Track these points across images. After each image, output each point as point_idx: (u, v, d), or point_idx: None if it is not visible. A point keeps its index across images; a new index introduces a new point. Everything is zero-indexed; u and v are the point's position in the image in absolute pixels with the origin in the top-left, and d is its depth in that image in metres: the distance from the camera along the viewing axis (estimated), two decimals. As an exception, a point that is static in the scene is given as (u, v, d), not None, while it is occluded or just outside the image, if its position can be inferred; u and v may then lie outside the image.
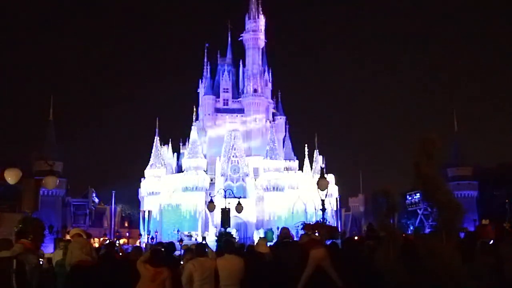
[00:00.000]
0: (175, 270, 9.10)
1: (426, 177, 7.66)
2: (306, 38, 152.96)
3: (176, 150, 65.97)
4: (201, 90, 67.70)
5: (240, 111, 65.54)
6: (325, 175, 16.95)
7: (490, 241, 10.03)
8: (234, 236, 40.03)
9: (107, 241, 28.96)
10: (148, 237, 52.21)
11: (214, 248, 16.30)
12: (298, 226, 39.43)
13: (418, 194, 53.51)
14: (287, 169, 61.34)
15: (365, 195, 71.54)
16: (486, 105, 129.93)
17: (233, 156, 59.58)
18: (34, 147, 55.08)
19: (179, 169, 61.59)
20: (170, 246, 11.23)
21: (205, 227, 55.14)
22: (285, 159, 61.60)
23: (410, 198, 61.91)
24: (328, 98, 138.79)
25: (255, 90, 64.97)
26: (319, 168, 48.75)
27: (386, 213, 8.06)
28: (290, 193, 59.13)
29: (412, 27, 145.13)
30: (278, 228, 42.22)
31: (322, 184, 15.83)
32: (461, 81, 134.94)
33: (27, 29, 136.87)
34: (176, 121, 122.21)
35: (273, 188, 58.64)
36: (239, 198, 33.28)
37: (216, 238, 40.21)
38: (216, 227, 50.02)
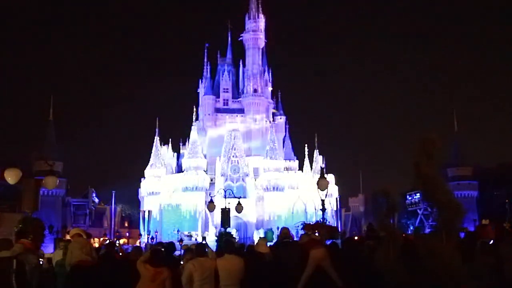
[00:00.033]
0: (175, 270, 9.10)
1: (426, 177, 7.66)
2: (306, 38, 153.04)
3: (176, 150, 66.02)
4: (201, 90, 67.70)
5: (240, 111, 65.54)
6: (325, 175, 16.94)
7: (490, 241, 10.03)
8: (234, 236, 40.03)
9: (107, 241, 28.95)
10: (148, 237, 52.22)
11: (214, 248, 16.30)
12: (298, 226, 39.44)
13: (418, 194, 53.54)
14: (287, 169, 61.37)
15: (365, 195, 71.55)
16: (486, 105, 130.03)
17: (233, 156, 59.58)
18: (34, 147, 55.11)
19: (179, 169, 61.59)
20: (170, 246, 11.23)
21: (205, 227, 55.15)
22: (285, 159, 61.63)
23: (410, 198, 61.93)
24: (328, 98, 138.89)
25: (255, 90, 64.97)
26: (319, 168, 48.73)
27: (386, 213, 8.06)
28: (290, 193, 59.13)
29: (412, 27, 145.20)
30: (278, 228, 42.23)
31: (322, 184, 15.83)
32: (461, 81, 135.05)
33: (27, 29, 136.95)
34: (176, 121, 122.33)
35: (273, 188, 58.65)
36: (239, 198, 33.27)
37: (216, 238, 40.22)
38: (216, 227, 50.04)
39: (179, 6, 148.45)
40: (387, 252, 7.75)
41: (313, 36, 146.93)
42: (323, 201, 15.95)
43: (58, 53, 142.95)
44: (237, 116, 65.11)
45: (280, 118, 68.46)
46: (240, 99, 65.93)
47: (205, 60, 68.00)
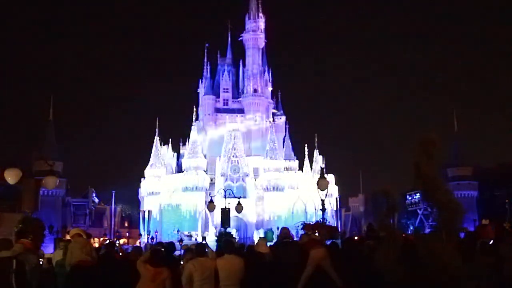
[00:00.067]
0: (175, 270, 9.10)
1: (426, 177, 7.65)
2: (306, 38, 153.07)
3: (176, 150, 66.03)
4: (201, 90, 67.69)
5: (240, 111, 65.53)
6: (325, 175, 16.95)
7: (490, 241, 10.03)
8: (234, 236, 40.04)
9: (107, 241, 28.95)
10: (148, 237, 52.24)
11: (214, 248, 16.30)
12: (298, 226, 39.44)
13: (418, 194, 53.48)
14: (287, 169, 61.36)
15: (365, 195, 71.49)
16: (486, 105, 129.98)
17: (233, 156, 59.57)
18: (34, 147, 55.09)
19: (179, 169, 61.59)
20: (170, 246, 11.23)
21: (205, 227, 55.16)
22: (285, 159, 61.61)
23: (410, 198, 61.90)
24: (328, 98, 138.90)
25: (255, 90, 64.97)
26: (319, 168, 48.74)
27: (386, 213, 8.06)
28: (290, 193, 59.14)
29: (412, 27, 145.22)
30: (278, 228, 42.22)
31: (322, 184, 15.84)
32: (461, 81, 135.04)
33: (27, 29, 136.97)
34: (176, 121, 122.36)
35: (273, 188, 58.65)
36: (239, 198, 33.26)
37: (216, 238, 40.22)
38: (216, 227, 50.04)
39: (179, 6, 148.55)
40: (387, 252, 7.75)
41: (313, 36, 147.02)
42: (323, 201, 15.96)
43: (58, 53, 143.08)
44: (237, 116, 65.10)
45: (280, 118, 68.44)
46: (240, 99, 65.93)
47: (205, 60, 68.03)
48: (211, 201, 30.72)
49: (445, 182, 8.32)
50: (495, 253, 8.86)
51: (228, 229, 31.79)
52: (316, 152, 63.69)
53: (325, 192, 15.81)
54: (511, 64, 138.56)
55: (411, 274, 7.43)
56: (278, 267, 9.45)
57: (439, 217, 7.62)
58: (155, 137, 62.27)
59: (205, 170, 58.86)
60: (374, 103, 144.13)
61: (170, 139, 64.72)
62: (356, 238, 16.35)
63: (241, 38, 66.93)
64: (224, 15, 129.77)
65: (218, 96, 66.28)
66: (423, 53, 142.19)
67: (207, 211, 50.78)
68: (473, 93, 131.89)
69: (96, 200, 65.08)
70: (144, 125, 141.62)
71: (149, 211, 56.87)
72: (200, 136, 62.17)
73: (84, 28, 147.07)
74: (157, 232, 55.55)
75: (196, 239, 46.49)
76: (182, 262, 10.63)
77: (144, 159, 62.24)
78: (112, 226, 60.48)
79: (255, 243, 11.71)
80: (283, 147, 63.85)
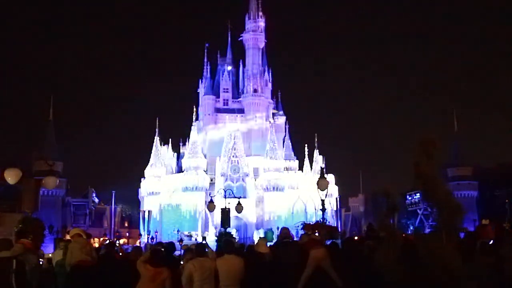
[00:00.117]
0: (175, 270, 9.10)
1: (426, 177, 7.66)
2: (306, 38, 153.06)
3: (176, 150, 66.01)
4: (201, 90, 67.68)
5: (240, 111, 65.53)
6: (325, 175, 16.95)
7: (490, 241, 10.04)
8: (234, 236, 40.03)
9: (107, 241, 28.95)
10: (148, 237, 52.24)
11: (214, 248, 16.31)
12: (298, 226, 39.41)
13: (418, 194, 53.50)
14: (287, 169, 61.36)
15: (365, 195, 71.50)
16: (486, 105, 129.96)
17: (233, 156, 59.57)
18: (34, 147, 55.09)
19: (179, 169, 61.59)
20: (170, 246, 11.23)
21: (205, 227, 55.16)
22: (285, 159, 61.61)
23: (410, 198, 61.89)
24: (328, 98, 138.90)
25: (255, 90, 64.96)
26: (319, 168, 48.75)
27: (386, 213, 8.06)
28: (290, 193, 59.13)
29: (412, 27, 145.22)
30: (278, 228, 42.22)
31: (322, 184, 15.84)
32: (461, 81, 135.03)
33: (27, 29, 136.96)
34: (176, 121, 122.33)
35: (273, 188, 58.65)
36: (239, 198, 33.26)
37: (216, 238, 40.21)
38: (216, 227, 50.04)
39: (179, 6, 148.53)
40: (387, 252, 7.75)
41: (313, 36, 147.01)
42: (323, 201, 15.96)
43: (58, 53, 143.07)
44: (237, 116, 65.10)
45: (280, 118, 68.43)
46: (240, 99, 65.92)
47: (205, 60, 68.02)
48: (211, 201, 30.73)
49: (445, 182, 8.32)
50: (495, 253, 8.86)
51: (228, 229, 31.77)
52: (316, 152, 63.71)
53: (325, 192, 15.81)
54: (511, 64, 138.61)
55: (411, 274, 7.43)
56: (278, 267, 9.45)
57: (439, 217, 7.62)
58: (155, 137, 62.31)
59: (205, 170, 58.86)
60: (374, 103, 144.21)
61: (170, 139, 64.81)
62: (356, 238, 16.34)
63: (241, 38, 66.93)
64: (224, 15, 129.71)
65: (218, 96, 66.27)
66: (423, 53, 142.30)
67: (207, 211, 50.78)
68: (473, 93, 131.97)
69: (96, 200, 65.09)
70: (144, 125, 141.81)
71: (149, 211, 56.88)
72: (200, 136, 62.17)
73: (84, 28, 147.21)
74: (157, 232, 55.55)
75: (196, 239, 46.49)
76: (182, 262, 10.63)
77: (144, 159, 62.33)
78: (112, 226, 60.47)
79: (255, 243, 11.71)
80: (283, 147, 63.84)
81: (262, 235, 43.35)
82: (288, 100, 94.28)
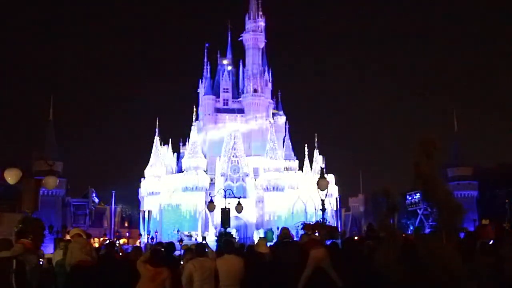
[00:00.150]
0: (175, 270, 9.10)
1: (426, 177, 7.66)
2: (306, 38, 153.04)
3: (176, 150, 66.02)
4: (201, 90, 67.66)
5: (240, 111, 65.52)
6: (325, 175, 16.95)
7: (490, 241, 10.05)
8: (234, 236, 40.04)
9: (107, 241, 28.96)
10: (148, 237, 52.22)
11: (214, 248, 16.31)
12: (298, 226, 39.41)
13: (418, 194, 53.48)
14: (287, 169, 61.37)
15: (365, 195, 71.52)
16: (486, 105, 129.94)
17: (233, 156, 59.58)
18: (34, 147, 55.09)
19: (179, 169, 61.60)
20: (170, 246, 11.23)
21: (205, 227, 55.15)
22: (285, 159, 61.63)
23: (410, 198, 61.88)
24: (328, 98, 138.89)
25: (255, 90, 64.96)
26: (319, 168, 48.75)
27: (386, 213, 8.06)
28: (290, 193, 59.13)
29: (412, 27, 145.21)
30: (278, 228, 42.23)
31: (322, 184, 15.84)
32: (461, 81, 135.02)
33: (27, 29, 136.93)
34: (176, 121, 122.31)
35: (273, 188, 58.65)
36: (239, 198, 33.28)
37: (216, 238, 40.23)
38: (216, 227, 50.04)
39: (179, 6, 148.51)
40: (387, 252, 7.75)
41: (313, 36, 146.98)
42: (323, 201, 15.96)
43: (58, 53, 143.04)
44: (237, 116, 65.09)
45: (280, 118, 68.44)
46: (240, 99, 65.91)
47: (205, 60, 68.02)
48: (211, 201, 30.73)
49: (445, 182, 8.32)
50: (495, 253, 8.87)
51: (228, 229, 31.76)
52: (316, 152, 63.69)
53: (325, 192, 15.82)
54: (511, 64, 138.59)
55: (411, 274, 7.43)
56: (278, 267, 9.45)
57: (439, 217, 7.62)
58: (155, 137, 62.31)
59: (205, 170, 58.87)
60: (374, 103, 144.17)
61: (170, 139, 64.80)
62: (356, 238, 16.34)
63: (241, 38, 66.91)
64: (224, 15, 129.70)
65: (218, 96, 66.27)
66: (423, 53, 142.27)
67: (207, 211, 50.76)
68: (473, 93, 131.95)
69: (96, 200, 65.07)
70: (144, 125, 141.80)
71: (149, 211, 56.86)
72: (200, 136, 62.17)
73: (84, 28, 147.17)
74: (157, 232, 55.54)
75: (196, 239, 46.49)
76: (182, 262, 10.63)
77: (144, 159, 62.33)
78: (112, 226, 60.44)
79: (255, 243, 11.71)
80: (283, 147, 63.86)
81: (262, 235, 43.37)
82: (288, 100, 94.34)
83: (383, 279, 7.75)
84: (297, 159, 63.93)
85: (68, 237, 15.62)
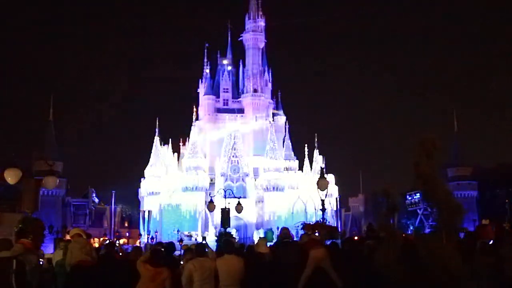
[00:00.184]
0: (175, 270, 9.10)
1: (426, 177, 7.66)
2: (306, 38, 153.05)
3: (176, 150, 66.05)
4: (201, 90, 67.68)
5: (240, 111, 65.55)
6: (325, 175, 16.94)
7: (490, 241, 10.04)
8: (234, 236, 40.03)
9: (107, 241, 28.94)
10: (148, 237, 52.22)
11: (214, 248, 16.31)
12: (298, 226, 39.43)
13: (418, 194, 53.52)
14: (287, 169, 61.38)
15: (365, 195, 71.54)
16: (486, 105, 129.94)
17: (233, 156, 59.60)
18: (34, 147, 55.09)
19: (179, 169, 61.62)
20: (170, 246, 11.23)
21: (205, 227, 55.18)
22: (285, 159, 61.64)
23: (410, 198, 61.91)
24: (328, 98, 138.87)
25: (255, 90, 64.98)
26: (319, 168, 48.75)
27: (386, 213, 8.06)
28: (290, 193, 59.15)
29: (412, 27, 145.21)
30: (278, 228, 42.21)
31: (322, 184, 15.84)
32: (461, 81, 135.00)
33: (27, 29, 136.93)
34: (176, 121, 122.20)
35: (273, 188, 58.67)
36: (239, 198, 33.28)
37: (216, 238, 40.22)
38: (216, 227, 50.06)
39: (179, 6, 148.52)
40: (387, 252, 7.75)
41: (313, 36, 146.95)
42: (323, 201, 15.96)
43: (58, 53, 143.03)
44: (237, 116, 65.12)
45: (280, 118, 68.45)
46: (240, 99, 65.94)
47: (205, 60, 68.04)
48: (211, 201, 30.72)
49: (445, 182, 8.33)
50: (495, 253, 8.87)
51: (228, 229, 31.76)
52: (316, 152, 63.71)
53: (325, 192, 15.82)
54: (511, 64, 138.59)
55: (411, 274, 7.43)
56: (278, 267, 9.45)
57: (439, 217, 7.62)
58: (155, 137, 62.32)
59: (205, 170, 58.88)
60: (374, 103, 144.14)
61: (170, 139, 64.81)
62: (356, 238, 16.35)
63: (241, 38, 66.96)
64: (224, 15, 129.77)
65: (218, 96, 66.29)
66: (423, 53, 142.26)
67: (207, 211, 50.79)
68: (473, 93, 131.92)
69: (96, 200, 65.09)
70: (144, 125, 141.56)
71: (149, 211, 56.88)
72: (200, 136, 62.17)
73: (84, 28, 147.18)
74: (157, 232, 55.55)
75: (196, 239, 46.49)
76: (182, 262, 10.63)
77: (144, 159, 62.33)
78: (112, 226, 60.46)
79: (255, 243, 11.71)
80: (283, 147, 63.86)
81: (262, 235, 43.35)
82: (288, 100, 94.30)
83: (383, 279, 7.75)
84: (297, 159, 63.95)
85: (68, 237, 15.61)
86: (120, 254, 16.20)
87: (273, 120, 66.70)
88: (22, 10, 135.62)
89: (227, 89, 66.66)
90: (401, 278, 7.48)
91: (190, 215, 56.80)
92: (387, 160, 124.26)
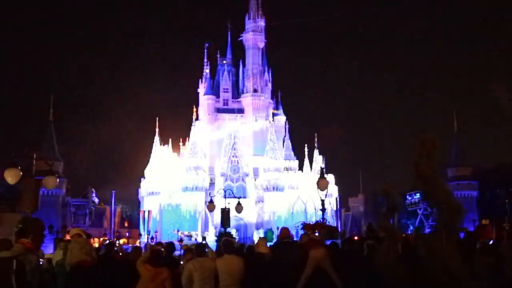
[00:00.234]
0: (175, 270, 9.10)
1: (426, 177, 7.66)
2: (306, 38, 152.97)
3: (176, 150, 66.00)
4: (201, 90, 67.69)
5: (240, 111, 65.56)
6: (325, 175, 16.95)
7: (490, 241, 10.05)
8: (234, 236, 40.03)
9: (107, 241, 28.92)
10: (148, 237, 52.21)
11: (214, 248, 16.31)
12: (298, 226, 39.41)
13: (418, 194, 53.53)
14: (287, 169, 61.39)
15: (365, 195, 71.53)
16: (486, 105, 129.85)
17: (233, 156, 59.61)
18: (34, 147, 55.01)
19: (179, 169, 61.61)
20: (170, 246, 11.23)
21: (205, 227, 55.17)
22: (285, 159, 61.66)
23: (410, 198, 61.90)
24: (328, 98, 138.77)
25: (255, 90, 64.99)
26: (319, 168, 48.75)
27: (386, 213, 8.06)
28: (290, 193, 59.16)
29: (412, 27, 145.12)
30: (278, 228, 42.22)
31: (322, 184, 15.84)
32: (461, 81, 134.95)
33: (27, 29, 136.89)
34: (176, 121, 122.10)
35: (273, 188, 58.67)
36: (239, 198, 33.27)
37: (216, 238, 40.23)
38: (216, 227, 50.08)
39: (179, 6, 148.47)
40: (387, 252, 7.75)
41: (313, 36, 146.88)
42: (323, 201, 15.96)
43: (58, 53, 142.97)
44: (237, 116, 65.14)
45: (280, 118, 68.46)
46: (240, 99, 65.95)
47: (205, 60, 68.05)
48: (211, 201, 30.71)
49: (445, 182, 8.33)
50: (495, 253, 8.87)
51: (228, 229, 31.75)
52: (316, 152, 63.72)
53: (325, 192, 15.82)
54: (511, 64, 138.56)
55: (411, 274, 7.43)
56: (278, 267, 9.45)
57: (439, 217, 7.62)
58: (155, 137, 62.33)
59: (205, 170, 58.88)
60: (374, 103, 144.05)
61: (170, 139, 64.81)
62: (356, 238, 16.34)
63: (241, 38, 66.98)
64: (224, 15, 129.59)
65: (218, 96, 66.30)
66: (423, 53, 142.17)
67: (207, 211, 50.77)
68: (473, 93, 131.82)
69: (96, 200, 65.07)
70: (144, 125, 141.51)
71: (149, 211, 56.90)
72: (200, 136, 62.19)
73: (84, 28, 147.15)
74: (157, 232, 55.56)
75: (196, 239, 46.49)
76: (182, 262, 10.63)
77: (144, 159, 62.30)
78: (112, 226, 60.44)
79: (255, 243, 11.71)
80: (283, 147, 63.87)
81: (262, 235, 43.38)
82: (288, 100, 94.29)
83: (383, 279, 7.75)
84: (297, 159, 63.96)
85: (68, 237, 15.62)
86: (120, 254, 16.18)
87: (273, 120, 66.70)
88: (22, 10, 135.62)
89: (227, 89, 66.67)
90: (401, 278, 7.48)
91: (190, 215, 56.81)
92: (387, 160, 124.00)
